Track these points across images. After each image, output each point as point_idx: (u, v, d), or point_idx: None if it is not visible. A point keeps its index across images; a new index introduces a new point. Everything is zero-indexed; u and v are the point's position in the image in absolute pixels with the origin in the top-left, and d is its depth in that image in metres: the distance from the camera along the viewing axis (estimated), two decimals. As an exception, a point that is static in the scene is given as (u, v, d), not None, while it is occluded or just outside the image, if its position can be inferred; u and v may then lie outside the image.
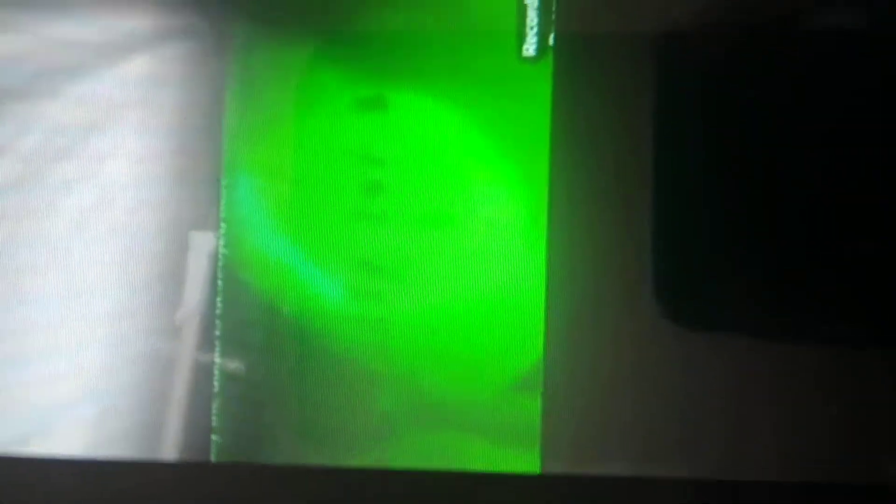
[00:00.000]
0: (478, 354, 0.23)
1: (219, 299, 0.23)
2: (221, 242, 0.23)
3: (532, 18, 0.23)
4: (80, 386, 0.23)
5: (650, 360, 0.23)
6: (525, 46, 0.23)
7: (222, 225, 0.23)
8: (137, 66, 0.23)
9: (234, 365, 0.23)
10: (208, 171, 0.23)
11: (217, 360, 0.23)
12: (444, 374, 0.23)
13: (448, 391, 0.23)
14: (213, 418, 0.23)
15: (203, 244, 0.23)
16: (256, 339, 0.23)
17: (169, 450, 0.23)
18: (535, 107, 0.23)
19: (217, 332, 0.23)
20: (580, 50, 0.23)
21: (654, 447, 0.23)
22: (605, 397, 0.23)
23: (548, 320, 0.23)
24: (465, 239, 0.23)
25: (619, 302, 0.23)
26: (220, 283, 0.23)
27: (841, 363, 0.22)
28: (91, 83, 0.23)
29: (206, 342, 0.23)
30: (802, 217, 0.22)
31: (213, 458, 0.23)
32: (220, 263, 0.23)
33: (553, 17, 0.23)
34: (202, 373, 0.23)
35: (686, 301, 0.23)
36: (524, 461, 0.23)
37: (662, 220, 0.23)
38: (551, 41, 0.23)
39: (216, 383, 0.23)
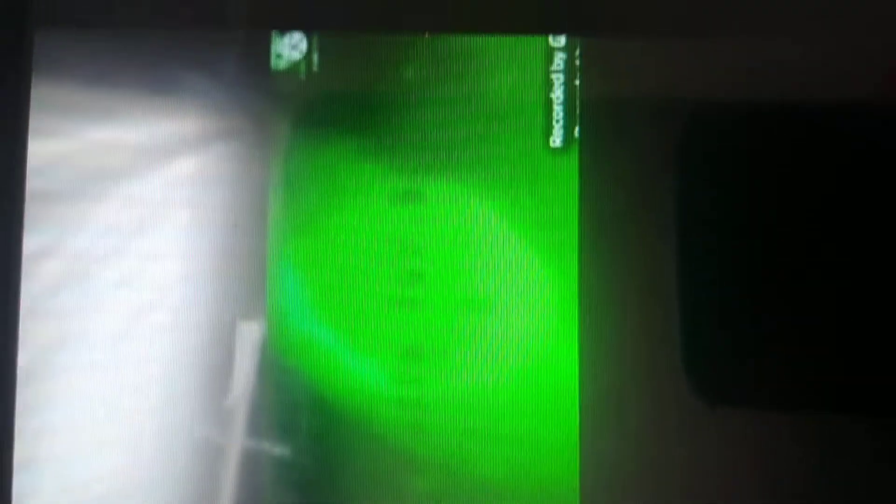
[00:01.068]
0: (516, 435, 0.23)
1: (265, 387, 0.24)
2: (267, 332, 0.24)
3: (558, 112, 0.24)
4: (131, 481, 0.23)
5: (684, 437, 0.23)
6: (552, 138, 0.24)
7: (268, 315, 0.24)
8: (183, 168, 0.24)
9: (282, 451, 0.23)
10: (254, 266, 0.24)
11: (265, 446, 0.23)
12: (483, 455, 0.23)
13: (488, 472, 0.23)
14: (263, 504, 0.23)
15: (250, 335, 0.24)
16: (303, 425, 0.23)
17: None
18: (563, 194, 0.23)
19: (264, 419, 0.23)
20: (604, 140, 0.24)
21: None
22: (641, 477, 0.23)
23: (581, 400, 0.23)
24: (500, 323, 0.23)
25: (651, 382, 0.23)
26: (266, 371, 0.24)
27: (878, 439, 0.22)
28: (138, 185, 0.24)
29: (254, 429, 0.24)
30: (834, 295, 0.23)
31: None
32: (266, 352, 0.24)
33: (577, 111, 0.24)
34: (251, 459, 0.23)
35: (719, 379, 0.23)
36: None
37: (692, 301, 0.23)
38: (576, 133, 0.24)
39: (265, 469, 0.23)
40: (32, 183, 0.24)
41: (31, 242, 0.24)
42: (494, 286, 0.23)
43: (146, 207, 0.24)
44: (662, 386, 0.23)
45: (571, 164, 0.23)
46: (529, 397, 0.23)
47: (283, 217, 0.24)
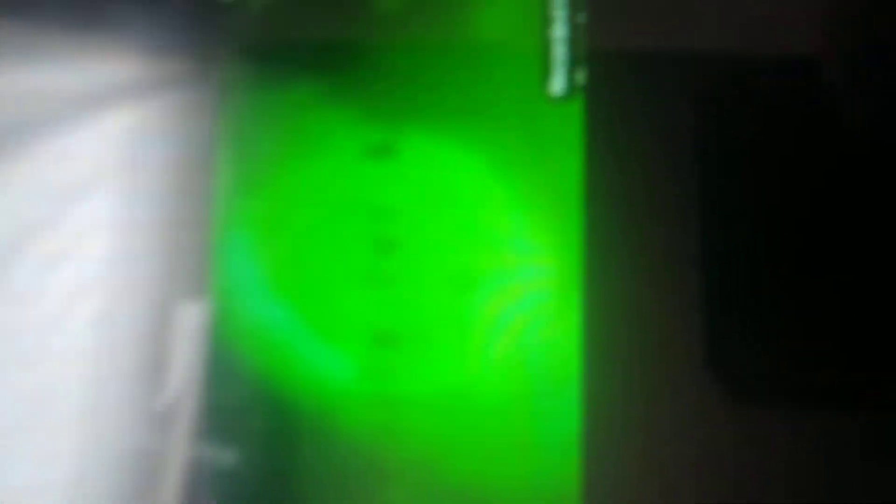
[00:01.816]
0: (508, 439, 0.21)
1: (209, 382, 0.21)
2: (211, 315, 0.21)
3: (559, 53, 0.21)
4: (49, 500, 0.21)
5: (703, 440, 0.21)
6: (551, 84, 0.21)
7: (212, 295, 0.21)
8: (115, 119, 0.22)
9: (228, 459, 0.21)
10: (196, 235, 0.22)
11: (208, 454, 0.21)
12: (469, 463, 0.21)
13: (475, 482, 0.21)
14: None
15: (190, 320, 0.21)
16: (253, 428, 0.21)
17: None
18: (564, 150, 0.21)
19: (208, 423, 0.21)
20: (613, 88, 0.21)
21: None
22: (650, 482, 0.21)
23: (584, 397, 0.21)
24: (491, 302, 0.21)
25: (664, 374, 0.21)
26: (209, 363, 0.21)
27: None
28: (61, 141, 0.22)
29: (196, 435, 0.21)
30: (866, 277, 0.21)
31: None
32: (209, 340, 0.21)
33: (582, 52, 0.21)
34: (193, 471, 0.21)
35: (741, 371, 0.21)
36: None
37: (712, 277, 0.21)
38: (580, 78, 0.21)
39: (210, 483, 0.21)
40: (-72, 137, 0.22)
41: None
42: (482, 259, 0.21)
43: (71, 168, 0.22)
44: (677, 379, 0.21)
45: (574, 114, 0.21)
46: (524, 393, 0.21)
47: (232, 177, 0.22)
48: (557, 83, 0.21)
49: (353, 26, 0.21)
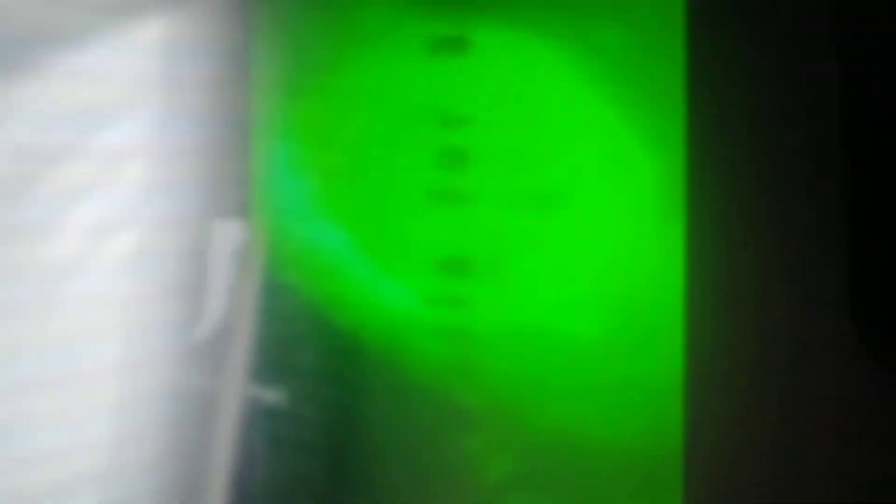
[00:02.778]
0: (601, 382, 0.20)
1: (256, 314, 0.20)
2: (255, 239, 0.21)
3: None
4: (83, 466, 0.20)
5: (826, 389, 0.19)
6: None
7: (257, 216, 0.21)
8: (153, 31, 0.20)
9: (279, 400, 0.20)
10: (235, 146, 0.21)
11: (256, 394, 0.20)
12: (553, 404, 0.20)
13: (560, 428, 0.20)
14: (254, 474, 0.20)
15: (230, 243, 0.21)
16: (305, 364, 0.20)
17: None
18: (666, 44, 0.19)
19: (255, 358, 0.20)
20: None
21: None
22: (764, 435, 0.19)
23: (690, 333, 0.19)
24: (579, 224, 0.20)
25: (789, 319, 0.19)
26: (256, 292, 0.21)
27: None
28: (85, 56, 0.20)
29: (242, 372, 0.20)
30: None
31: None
32: (255, 267, 0.21)
33: None
34: (240, 413, 0.20)
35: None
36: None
37: (856, 209, 0.19)
38: None
39: (258, 426, 0.20)
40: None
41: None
42: (570, 173, 0.20)
43: (97, 85, 0.20)
44: (803, 321, 0.19)
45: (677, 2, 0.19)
46: (617, 327, 0.20)
47: (276, 81, 0.21)
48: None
49: None
